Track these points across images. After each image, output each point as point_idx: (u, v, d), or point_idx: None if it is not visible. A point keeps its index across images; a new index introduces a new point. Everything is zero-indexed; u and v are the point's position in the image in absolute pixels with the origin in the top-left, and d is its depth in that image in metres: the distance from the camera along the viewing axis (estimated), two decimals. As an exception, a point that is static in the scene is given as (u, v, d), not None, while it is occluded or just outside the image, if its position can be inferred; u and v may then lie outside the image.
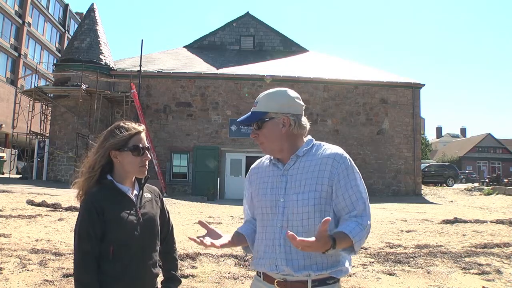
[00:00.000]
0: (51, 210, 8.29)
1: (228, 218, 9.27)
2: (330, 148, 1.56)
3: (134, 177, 1.76)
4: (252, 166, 1.75)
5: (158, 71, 18.34)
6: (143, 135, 1.75)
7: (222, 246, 1.54)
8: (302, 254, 1.46)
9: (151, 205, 1.77)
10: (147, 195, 1.78)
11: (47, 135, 18.01)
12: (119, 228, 1.62)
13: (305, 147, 1.58)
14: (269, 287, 1.52)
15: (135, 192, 1.74)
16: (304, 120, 1.61)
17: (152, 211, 1.75)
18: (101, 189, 1.67)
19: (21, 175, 17.89)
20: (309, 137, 1.64)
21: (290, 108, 1.58)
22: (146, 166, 1.73)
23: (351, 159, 1.54)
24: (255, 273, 1.64)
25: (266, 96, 1.61)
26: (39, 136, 18.15)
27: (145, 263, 1.68)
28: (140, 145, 1.70)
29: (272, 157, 1.65)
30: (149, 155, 1.74)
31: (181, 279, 1.89)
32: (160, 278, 1.81)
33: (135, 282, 1.64)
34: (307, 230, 1.46)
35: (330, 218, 1.34)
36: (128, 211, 1.66)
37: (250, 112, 1.62)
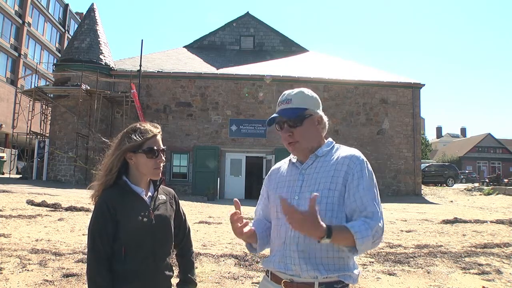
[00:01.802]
0: (51, 210, 8.28)
1: (228, 218, 9.26)
2: (348, 150, 1.56)
3: (149, 179, 1.76)
4: (273, 167, 1.76)
5: (158, 71, 18.34)
6: (159, 137, 1.75)
7: (246, 233, 1.57)
8: (310, 253, 1.45)
9: (165, 207, 1.76)
10: (161, 197, 1.78)
11: (47, 135, 18.00)
12: (131, 229, 1.62)
13: (325, 148, 1.58)
14: (276, 287, 1.52)
15: (150, 193, 1.74)
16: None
17: (166, 213, 1.75)
18: (115, 189, 1.68)
19: (21, 175, 17.87)
20: (330, 139, 1.64)
21: (319, 107, 1.60)
22: (161, 168, 1.73)
23: (367, 161, 1.53)
24: (264, 273, 1.64)
25: (300, 93, 1.59)
26: (39, 136, 18.14)
27: (157, 264, 1.67)
28: (155, 147, 1.70)
29: (292, 158, 1.64)
30: (163, 158, 1.74)
31: (197, 282, 1.87)
32: (175, 280, 1.81)
33: (147, 282, 1.63)
34: None
35: (318, 194, 1.36)
36: (141, 212, 1.66)
37: (284, 108, 1.56)
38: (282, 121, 1.56)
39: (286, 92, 1.62)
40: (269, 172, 1.75)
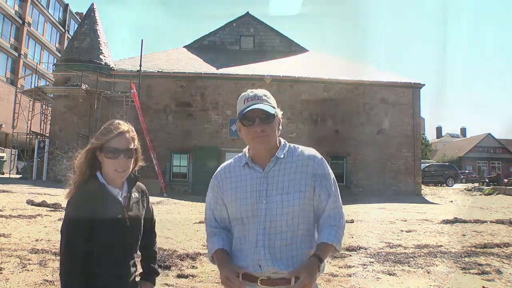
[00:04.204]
0: (51, 210, 8.28)
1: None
2: (307, 150, 1.63)
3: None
4: (220, 170, 1.69)
5: (158, 71, 18.33)
6: (127, 136, 1.63)
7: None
8: (286, 254, 1.51)
9: (137, 206, 1.73)
10: (135, 195, 1.73)
11: (47, 135, 18.00)
12: (105, 230, 1.58)
13: (283, 150, 1.61)
14: (251, 286, 1.52)
15: (124, 193, 1.69)
16: None
17: (138, 213, 1.72)
18: (90, 188, 1.62)
19: (21, 175, 17.88)
20: (282, 140, 1.66)
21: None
22: (120, 171, 1.62)
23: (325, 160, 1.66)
24: None
25: (268, 93, 1.65)
26: (39, 136, 18.14)
27: (126, 262, 1.67)
28: (113, 148, 1.60)
29: (246, 160, 1.63)
30: (124, 160, 1.60)
31: (159, 270, 1.91)
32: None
33: (116, 281, 1.62)
34: (291, 229, 1.51)
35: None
36: (115, 214, 1.62)
37: (264, 103, 1.56)
38: (254, 116, 1.55)
39: (254, 90, 1.63)
40: (217, 177, 1.68)
